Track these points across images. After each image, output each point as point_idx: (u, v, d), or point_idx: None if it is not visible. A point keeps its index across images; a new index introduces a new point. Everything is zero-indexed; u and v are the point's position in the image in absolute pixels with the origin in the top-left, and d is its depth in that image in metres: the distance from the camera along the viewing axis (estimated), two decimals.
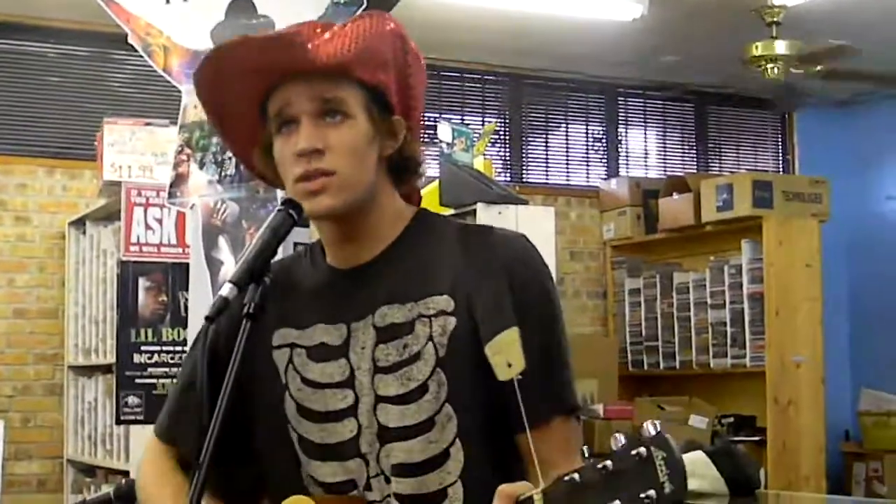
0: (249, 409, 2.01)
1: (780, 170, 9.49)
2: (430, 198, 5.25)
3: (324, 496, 1.95)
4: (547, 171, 8.86)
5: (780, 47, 6.95)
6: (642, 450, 1.45)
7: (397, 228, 2.01)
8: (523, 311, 1.90)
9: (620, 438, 1.47)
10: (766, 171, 9.30)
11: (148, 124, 6.08)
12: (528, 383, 1.79)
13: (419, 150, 2.06)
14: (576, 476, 1.50)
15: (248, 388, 1.98)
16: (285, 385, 1.99)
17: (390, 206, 2.02)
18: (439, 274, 1.95)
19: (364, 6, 3.86)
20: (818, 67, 7.19)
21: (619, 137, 9.09)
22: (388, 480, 1.92)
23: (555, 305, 1.97)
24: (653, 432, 1.45)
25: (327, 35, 1.92)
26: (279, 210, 1.93)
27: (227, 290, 1.81)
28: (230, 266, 3.81)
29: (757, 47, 6.98)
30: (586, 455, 1.49)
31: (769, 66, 7.05)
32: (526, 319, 1.87)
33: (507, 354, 1.80)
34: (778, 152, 9.60)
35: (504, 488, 1.63)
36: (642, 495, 1.43)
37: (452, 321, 1.91)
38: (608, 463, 1.47)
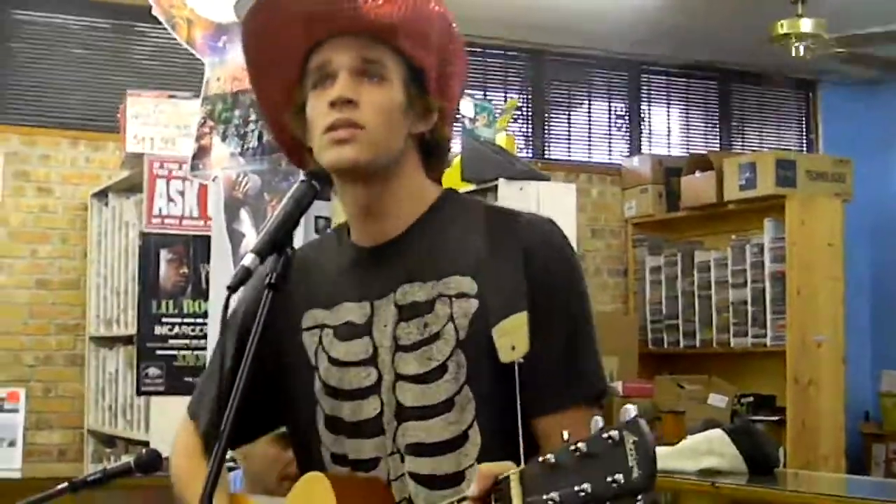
0: (279, 391, 2.02)
1: (804, 149, 9.45)
2: (451, 173, 5.25)
3: (339, 474, 1.94)
4: (569, 147, 8.84)
5: (806, 25, 6.91)
6: (614, 433, 1.43)
7: (422, 206, 2.00)
8: (545, 295, 1.87)
9: (631, 410, 1.46)
10: (790, 149, 9.25)
11: (171, 97, 6.10)
12: (550, 369, 1.79)
13: (450, 136, 2.05)
14: (550, 457, 1.49)
15: (278, 369, 2.00)
16: (315, 366, 1.99)
17: (415, 183, 2.00)
18: (462, 255, 1.94)
19: None
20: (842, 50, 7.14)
21: (642, 114, 9.07)
22: (402, 459, 1.91)
23: (580, 291, 1.94)
24: (630, 416, 1.44)
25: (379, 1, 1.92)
26: (302, 181, 1.93)
27: (248, 260, 1.80)
28: (252, 238, 3.82)
29: (782, 25, 6.94)
30: (601, 427, 1.48)
31: (795, 44, 7.01)
32: (549, 304, 1.86)
33: (512, 337, 1.80)
34: (802, 131, 9.56)
35: (483, 467, 1.62)
36: (609, 479, 1.42)
37: (475, 304, 1.89)
38: (581, 445, 1.46)
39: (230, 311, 1.93)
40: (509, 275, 1.89)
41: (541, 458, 1.51)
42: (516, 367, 1.77)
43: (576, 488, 1.45)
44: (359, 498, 1.89)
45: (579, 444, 1.46)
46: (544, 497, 1.49)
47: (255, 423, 2.03)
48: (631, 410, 1.44)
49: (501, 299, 1.87)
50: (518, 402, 1.75)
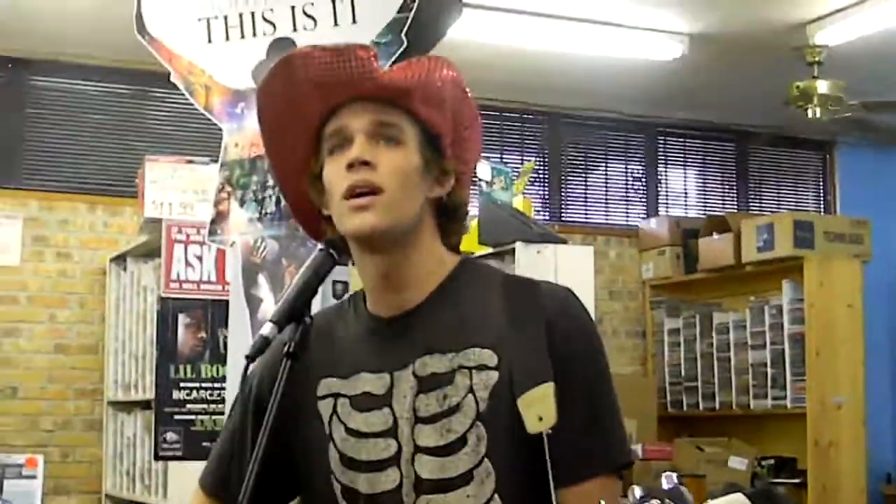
0: (293, 458, 2.00)
1: (822, 210, 9.44)
2: (468, 237, 5.25)
3: None
4: (586, 209, 8.84)
5: (822, 87, 6.93)
6: (656, 502, 1.44)
7: (440, 275, 1.99)
8: (567, 365, 1.87)
9: (672, 477, 1.46)
10: (807, 211, 9.25)
11: (189, 162, 6.12)
12: (573, 440, 1.78)
13: (467, 201, 2.05)
14: None
15: (292, 437, 1.98)
16: (329, 435, 1.98)
17: (433, 251, 2.00)
18: (482, 326, 1.93)
19: (405, 46, 3.87)
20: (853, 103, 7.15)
21: (659, 176, 9.07)
22: None
23: (601, 361, 1.94)
24: (668, 485, 1.45)
25: (393, 68, 1.95)
26: (320, 250, 1.93)
27: (267, 329, 1.81)
28: (269, 304, 3.82)
29: (798, 87, 6.96)
30: (641, 496, 1.48)
31: (810, 106, 7.03)
32: (570, 374, 1.85)
33: (539, 408, 1.80)
34: (819, 192, 9.56)
35: None
36: None
37: (494, 376, 1.89)
38: None
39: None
40: (531, 346, 1.88)
41: None
42: (545, 438, 1.76)
43: None
44: None
45: None
46: None
47: (271, 494, 2.01)
48: (672, 478, 1.45)
49: (525, 370, 1.86)
50: (550, 472, 1.73)
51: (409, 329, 1.97)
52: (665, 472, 1.48)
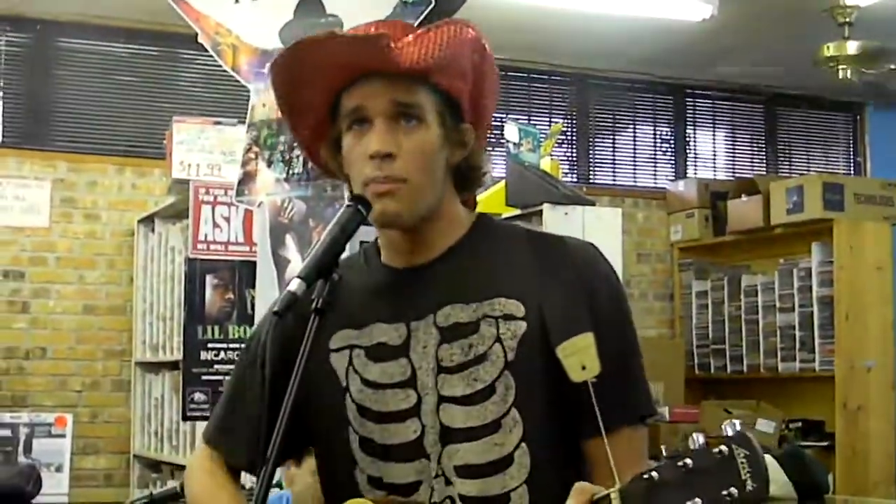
0: (306, 412, 1.99)
1: (852, 172, 9.38)
2: (496, 198, 5.23)
3: (382, 498, 1.93)
4: (614, 172, 8.81)
5: (852, 48, 6.86)
6: (724, 448, 1.44)
7: (457, 233, 2.00)
8: (597, 318, 1.88)
9: (699, 438, 1.46)
10: (837, 173, 9.19)
11: (217, 123, 6.13)
12: (602, 390, 1.77)
13: (484, 159, 2.05)
14: (654, 474, 1.49)
15: (303, 391, 1.98)
16: (346, 387, 1.98)
17: (452, 212, 2.01)
18: (507, 277, 1.94)
19: (431, 6, 3.86)
20: (892, 66, 7.08)
21: (688, 138, 9.02)
22: (448, 482, 1.90)
23: (628, 313, 1.97)
24: (732, 432, 1.44)
25: (410, 38, 1.91)
26: (347, 206, 1.92)
27: (294, 285, 1.80)
28: (297, 264, 3.82)
29: (828, 48, 6.90)
30: (664, 454, 1.48)
31: (841, 67, 6.97)
32: (600, 327, 1.85)
33: (581, 357, 1.79)
34: (849, 154, 9.49)
35: (580, 485, 1.62)
36: (724, 493, 1.42)
37: (523, 326, 1.89)
38: (688, 461, 1.46)
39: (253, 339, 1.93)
40: (565, 297, 1.90)
41: (644, 475, 1.50)
42: (590, 387, 1.76)
43: (685, 503, 1.44)
44: None
45: (685, 460, 1.45)
46: None
47: (287, 446, 1.97)
48: (736, 425, 1.45)
49: (561, 320, 1.87)
50: (600, 418, 1.72)
51: (426, 280, 1.97)
52: (693, 433, 1.47)
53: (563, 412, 1.86)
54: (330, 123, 1.98)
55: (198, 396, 5.49)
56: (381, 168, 1.89)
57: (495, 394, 1.88)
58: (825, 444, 7.29)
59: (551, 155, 6.13)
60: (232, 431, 2.09)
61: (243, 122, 4.34)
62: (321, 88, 1.96)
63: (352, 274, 2.05)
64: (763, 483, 1.42)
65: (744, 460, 1.43)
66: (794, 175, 8.80)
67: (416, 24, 2.20)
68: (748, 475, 1.42)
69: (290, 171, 3.96)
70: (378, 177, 1.90)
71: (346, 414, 1.97)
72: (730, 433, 1.44)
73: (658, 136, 8.94)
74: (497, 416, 1.88)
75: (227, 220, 5.59)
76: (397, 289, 2.00)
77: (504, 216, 5.03)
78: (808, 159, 9.38)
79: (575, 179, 8.37)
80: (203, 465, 2.13)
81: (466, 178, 2.02)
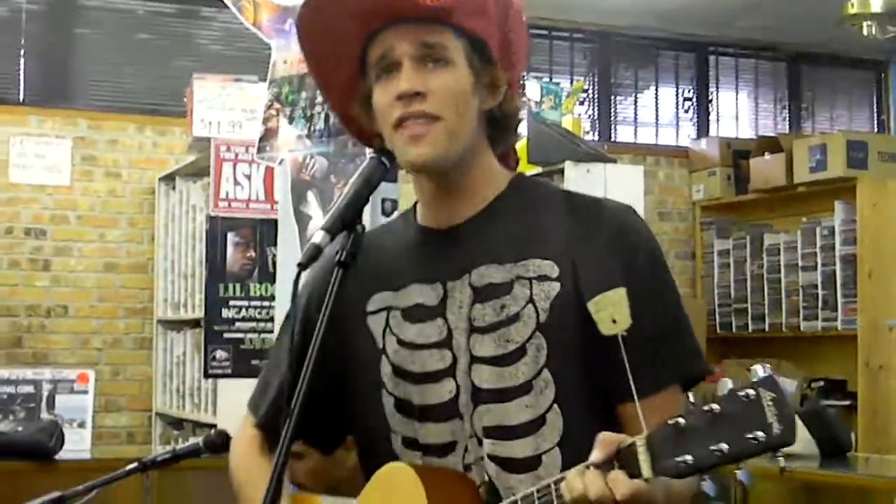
0: (342, 374, 1.99)
1: (875, 129, 9.32)
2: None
3: (423, 465, 1.91)
4: (636, 130, 8.77)
5: (877, 5, 6.80)
6: (750, 391, 1.43)
7: (494, 190, 1.97)
8: (634, 278, 1.83)
9: (761, 370, 1.45)
10: (861, 131, 9.12)
11: (237, 80, 6.11)
12: (639, 351, 1.75)
13: (519, 107, 2.01)
14: (680, 420, 1.48)
15: (341, 354, 1.97)
16: (382, 349, 1.96)
17: (486, 164, 1.97)
18: (543, 238, 1.91)
19: None
20: None
21: (710, 96, 8.98)
22: (480, 442, 1.88)
23: (668, 274, 1.93)
24: (762, 374, 1.43)
25: None
26: (371, 158, 1.90)
27: (319, 237, 1.77)
28: (318, 220, 3.81)
29: (852, 5, 6.84)
30: (691, 401, 1.46)
31: (865, 24, 6.91)
32: (637, 287, 1.82)
33: (612, 311, 1.76)
34: (873, 112, 9.43)
35: (605, 435, 1.61)
36: (749, 436, 1.41)
37: (556, 287, 1.86)
38: (714, 406, 1.45)
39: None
40: (599, 257, 1.86)
41: (669, 422, 1.49)
42: (620, 340, 1.74)
43: (711, 448, 1.45)
44: (445, 487, 1.85)
45: (712, 406, 1.44)
46: (677, 460, 1.48)
47: (319, 413, 1.94)
48: (761, 370, 1.45)
49: (594, 278, 1.83)
50: (630, 376, 1.70)
51: (462, 240, 1.94)
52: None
53: (598, 375, 1.83)
54: (360, 80, 1.96)
55: (219, 354, 5.50)
56: (410, 107, 1.86)
57: (526, 355, 1.85)
58: (847, 403, 7.28)
59: (573, 113, 6.11)
60: (265, 393, 2.09)
61: (264, 80, 4.32)
62: (346, 38, 1.93)
63: (389, 238, 2.04)
64: (790, 426, 1.41)
65: (770, 403, 1.42)
66: (817, 133, 8.75)
67: None
68: (775, 418, 1.41)
69: (312, 128, 3.94)
70: (407, 114, 1.86)
71: (380, 376, 1.95)
72: (759, 374, 1.43)
73: (680, 95, 8.89)
74: (529, 378, 1.85)
75: (248, 177, 5.58)
76: (434, 248, 1.97)
77: (526, 174, 5.01)
78: (832, 117, 9.33)
79: (596, 137, 8.34)
80: (244, 436, 2.13)
81: (500, 128, 1.98)
